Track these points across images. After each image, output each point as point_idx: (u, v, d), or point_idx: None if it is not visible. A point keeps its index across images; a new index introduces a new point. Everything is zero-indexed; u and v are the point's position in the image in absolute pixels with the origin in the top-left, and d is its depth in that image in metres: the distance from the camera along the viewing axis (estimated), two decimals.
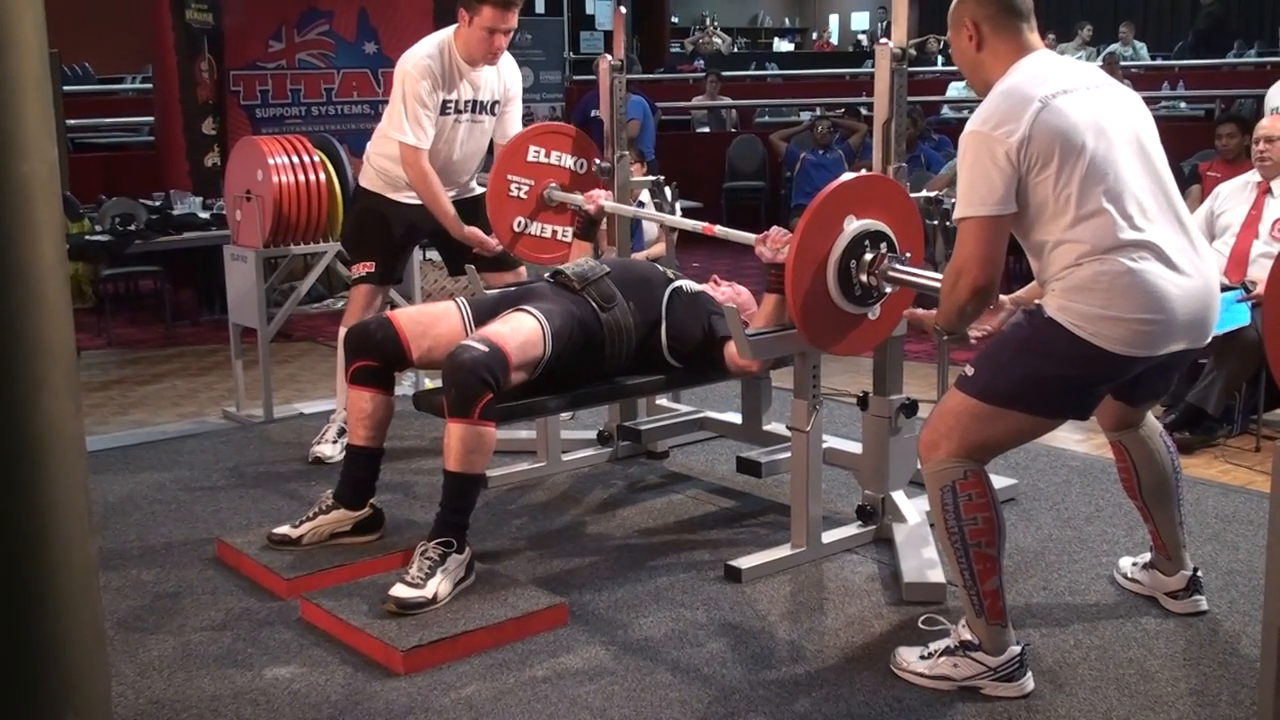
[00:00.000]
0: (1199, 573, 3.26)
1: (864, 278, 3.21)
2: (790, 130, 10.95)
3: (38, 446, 1.49)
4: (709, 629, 3.18)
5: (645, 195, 4.90)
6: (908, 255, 3.24)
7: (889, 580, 3.47)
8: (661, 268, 3.87)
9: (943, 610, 3.23)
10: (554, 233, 4.44)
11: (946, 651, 2.90)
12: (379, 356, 3.51)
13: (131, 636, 3.16)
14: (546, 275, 3.76)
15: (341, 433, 4.47)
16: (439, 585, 3.18)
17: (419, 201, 4.40)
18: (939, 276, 2.93)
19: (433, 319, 3.56)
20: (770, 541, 3.69)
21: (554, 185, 4.40)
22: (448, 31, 4.32)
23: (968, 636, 2.87)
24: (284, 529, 3.58)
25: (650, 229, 6.46)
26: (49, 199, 1.48)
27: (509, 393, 3.36)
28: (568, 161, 4.45)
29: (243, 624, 3.24)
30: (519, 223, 4.38)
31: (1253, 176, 5.19)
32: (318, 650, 3.08)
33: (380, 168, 4.48)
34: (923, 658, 2.92)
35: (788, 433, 3.68)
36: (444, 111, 4.34)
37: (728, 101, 13.13)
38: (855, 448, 3.85)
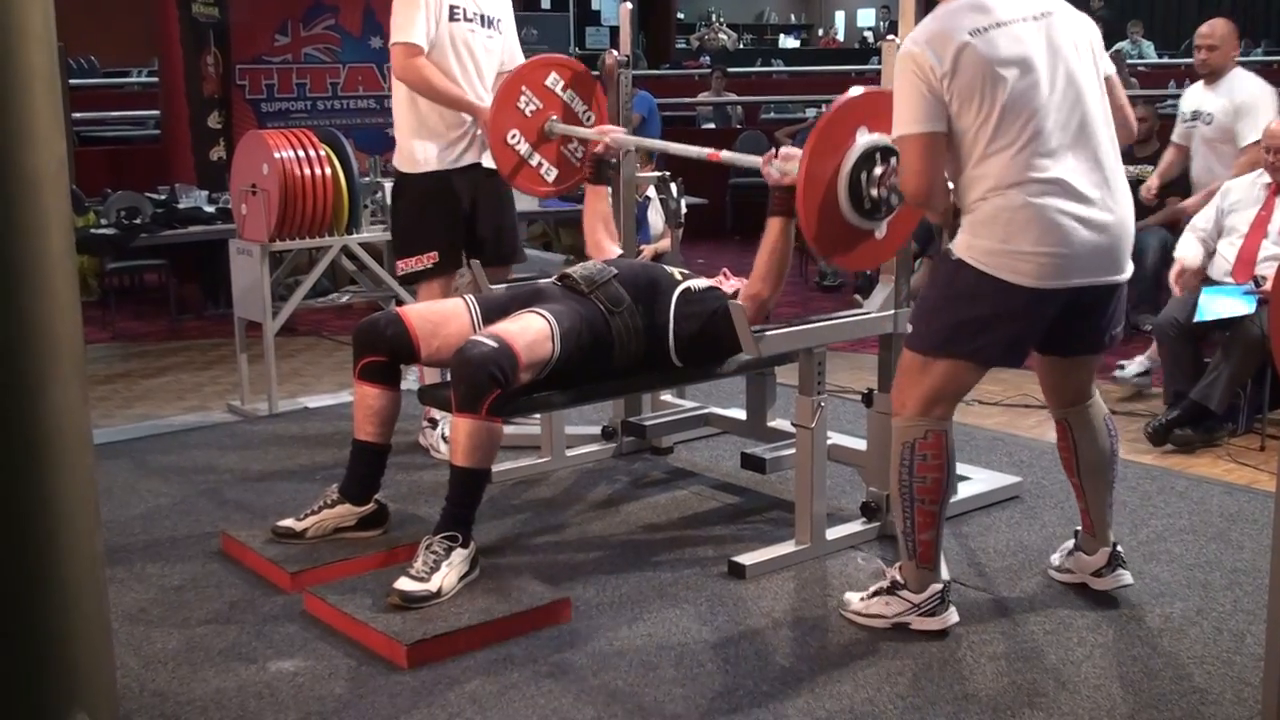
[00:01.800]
0: (1119, 548, 3.33)
1: (874, 191, 3.24)
2: (796, 127, 10.92)
3: (46, 438, 1.50)
4: (712, 625, 3.18)
5: (651, 191, 4.90)
6: None
7: None
8: (669, 269, 3.85)
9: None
10: (540, 164, 4.37)
11: (879, 592, 3.13)
12: (388, 352, 3.51)
13: (136, 629, 3.16)
14: (554, 279, 3.74)
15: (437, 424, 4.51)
16: (443, 579, 3.18)
17: (457, 164, 4.38)
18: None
19: (443, 318, 3.56)
20: (774, 538, 3.69)
21: (555, 119, 4.36)
22: None
23: (897, 577, 3.11)
24: (288, 522, 3.58)
25: (656, 223, 6.46)
26: (58, 193, 1.48)
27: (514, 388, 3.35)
28: (579, 107, 4.40)
29: (247, 617, 3.24)
30: (513, 135, 4.29)
31: (1263, 176, 5.18)
32: (322, 644, 3.08)
33: (411, 129, 4.39)
34: (861, 599, 3.16)
35: (792, 429, 3.68)
36: (454, 18, 4.32)
37: (733, 98, 13.12)
38: (860, 444, 3.85)
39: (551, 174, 4.39)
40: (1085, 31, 2.97)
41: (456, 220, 4.45)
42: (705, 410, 4.53)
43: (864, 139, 3.20)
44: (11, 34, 1.27)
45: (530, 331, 3.36)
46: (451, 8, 4.31)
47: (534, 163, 4.35)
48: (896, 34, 3.54)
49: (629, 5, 4.60)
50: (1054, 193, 2.82)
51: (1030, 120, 2.81)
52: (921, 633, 3.06)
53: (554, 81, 4.32)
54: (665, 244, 6.14)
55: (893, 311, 3.59)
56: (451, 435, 3.27)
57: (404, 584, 3.16)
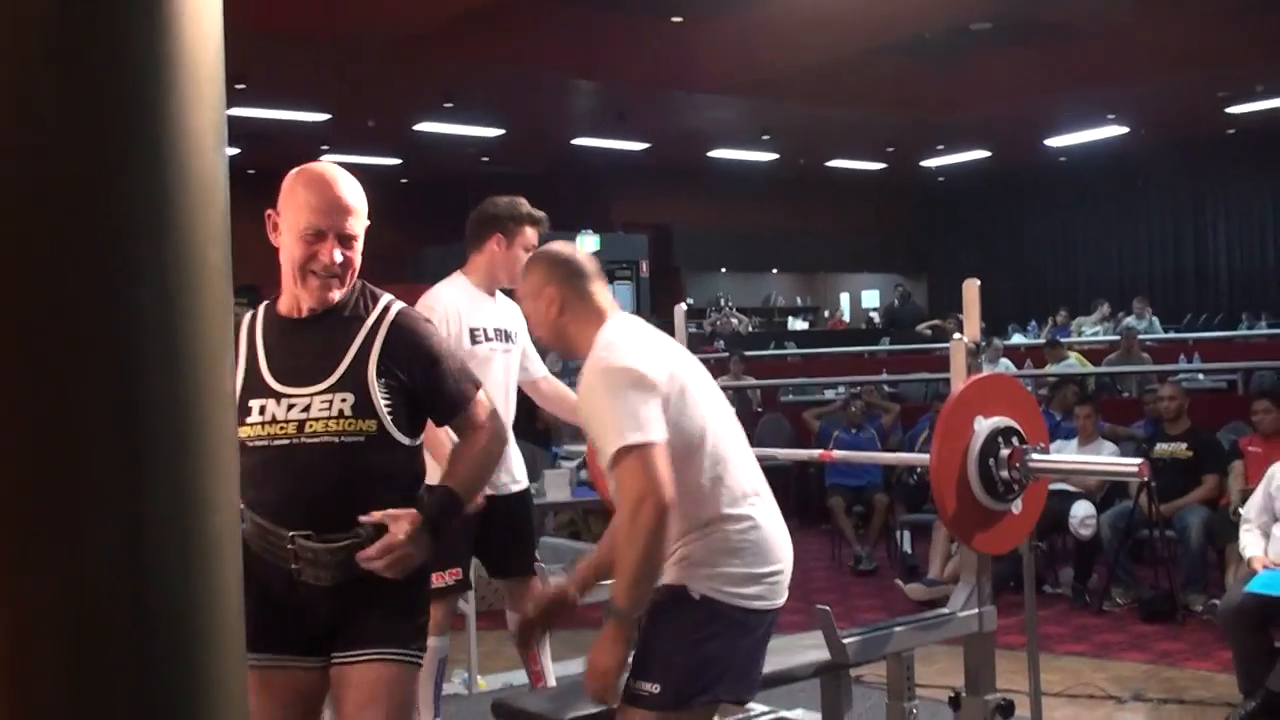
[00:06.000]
0: None
1: (1005, 473, 3.29)
2: (823, 410, 11.03)
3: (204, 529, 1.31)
4: None
5: None
6: (1041, 445, 3.37)
7: None
8: None
9: None
10: None
11: None
12: None
13: None
14: None
15: None
16: None
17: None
18: (1083, 460, 3.01)
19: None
20: None
21: None
22: (452, 277, 4.37)
23: None
24: None
25: None
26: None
27: None
28: None
29: None
30: None
31: None
32: None
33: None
34: None
35: None
36: (475, 340, 4.23)
37: (752, 381, 13.28)
38: None
39: None
40: None
41: (471, 542, 4.24)
42: (775, 715, 4.37)
43: (984, 425, 3.31)
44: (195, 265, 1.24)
45: None
46: (472, 331, 4.24)
47: None
48: (964, 332, 3.59)
49: (683, 306, 4.73)
50: (767, 506, 2.79)
51: (725, 433, 2.76)
52: None
53: None
54: None
55: (977, 610, 3.52)
56: None
57: None
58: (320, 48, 11.88)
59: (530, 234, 4.32)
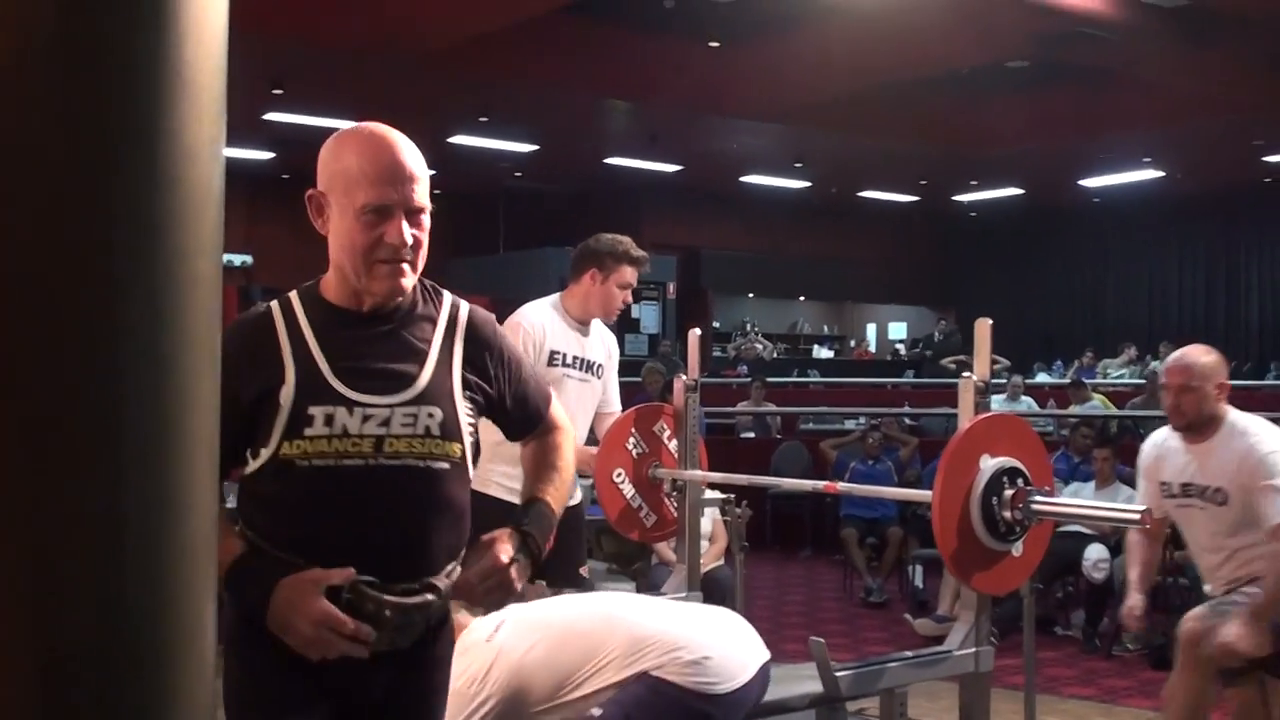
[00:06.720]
0: None
1: (1007, 514, 3.26)
2: (841, 440, 11.02)
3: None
4: None
5: (715, 512, 4.89)
6: (1047, 489, 3.33)
7: None
8: None
9: None
10: (640, 507, 4.42)
11: None
12: None
13: None
14: None
15: None
16: None
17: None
18: (1091, 503, 3.00)
19: None
20: None
21: (658, 464, 4.40)
22: (547, 298, 4.45)
23: None
24: None
25: (706, 524, 6.39)
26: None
27: None
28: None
29: None
30: (619, 474, 4.34)
31: None
32: None
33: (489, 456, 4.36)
34: None
35: None
36: (552, 363, 4.31)
37: (773, 408, 13.28)
38: None
39: (650, 519, 4.43)
40: None
41: None
42: None
43: (989, 464, 3.27)
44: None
45: None
46: (552, 353, 4.33)
47: (635, 505, 4.41)
48: (974, 371, 3.58)
49: (697, 331, 4.70)
50: (679, 623, 3.12)
51: (589, 622, 3.10)
52: None
53: (660, 429, 4.42)
54: (720, 547, 6.10)
55: (974, 650, 3.50)
56: None
57: None
58: (358, 57, 11.96)
59: (628, 272, 4.39)
